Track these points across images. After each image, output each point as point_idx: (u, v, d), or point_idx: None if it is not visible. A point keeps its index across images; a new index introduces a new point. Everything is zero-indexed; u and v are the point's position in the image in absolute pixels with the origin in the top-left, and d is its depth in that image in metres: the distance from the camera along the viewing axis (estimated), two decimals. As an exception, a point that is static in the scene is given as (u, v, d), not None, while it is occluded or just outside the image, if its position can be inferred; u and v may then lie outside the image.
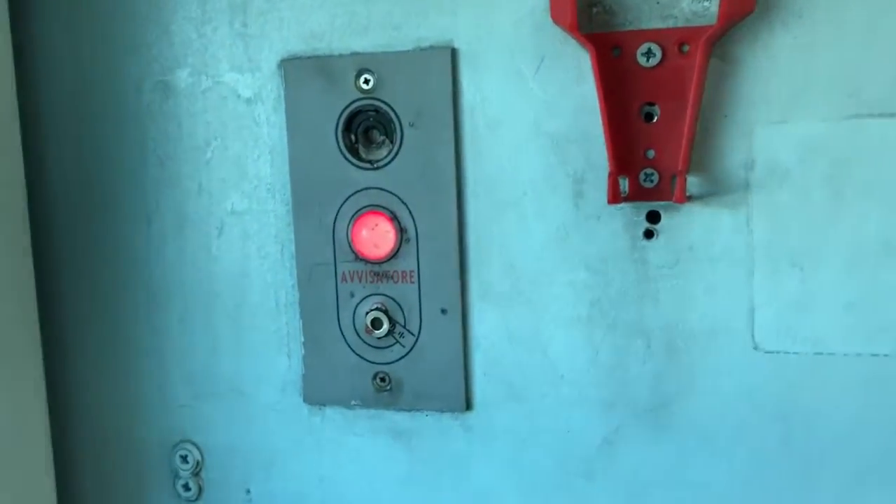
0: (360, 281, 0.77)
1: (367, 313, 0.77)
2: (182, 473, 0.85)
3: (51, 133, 0.85)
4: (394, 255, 0.76)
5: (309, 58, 0.76)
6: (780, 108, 0.66)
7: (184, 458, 0.85)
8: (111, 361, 0.86)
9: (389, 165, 0.75)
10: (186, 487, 0.86)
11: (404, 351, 0.77)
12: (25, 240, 0.82)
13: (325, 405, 0.80)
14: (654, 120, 0.67)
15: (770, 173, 0.67)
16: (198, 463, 0.85)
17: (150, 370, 0.85)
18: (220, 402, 0.83)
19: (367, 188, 0.76)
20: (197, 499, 0.86)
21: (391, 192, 0.76)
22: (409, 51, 0.73)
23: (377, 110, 0.75)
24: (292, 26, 0.76)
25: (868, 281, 0.66)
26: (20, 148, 0.81)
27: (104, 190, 0.84)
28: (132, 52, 0.81)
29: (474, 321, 0.75)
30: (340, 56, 0.75)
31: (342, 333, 0.79)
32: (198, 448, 0.85)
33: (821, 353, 0.67)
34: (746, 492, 0.71)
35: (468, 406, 0.76)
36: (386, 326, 0.76)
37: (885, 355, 0.66)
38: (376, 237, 0.76)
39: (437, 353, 0.76)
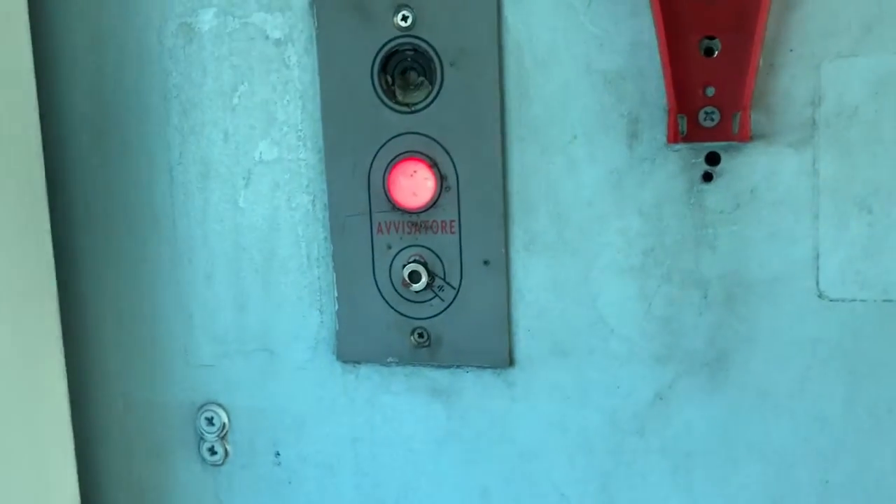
0: (397, 232, 0.74)
1: (405, 266, 0.73)
2: (208, 436, 0.82)
3: (68, 81, 0.81)
4: (433, 204, 0.72)
5: (343, -6, 0.72)
6: (849, 40, 0.63)
7: (209, 421, 0.82)
8: (133, 320, 0.83)
9: (428, 108, 0.71)
10: (212, 451, 0.82)
11: (444, 305, 0.74)
12: (42, 193, 0.78)
13: (359, 363, 0.77)
14: (715, 55, 0.64)
15: (838, 110, 0.63)
16: (224, 426, 0.82)
17: (175, 329, 0.82)
18: (247, 362, 0.80)
19: (404, 133, 0.72)
20: (223, 463, 0.83)
21: (430, 137, 0.72)
22: (450, -16, 0.69)
23: (416, 49, 0.71)
24: (325, -39, 0.72)
25: (943, 223, 0.62)
26: (35, 97, 0.77)
27: (124, 139, 0.80)
28: (154, -6, 0.77)
29: (518, 273, 0.72)
30: (377, -8, 0.71)
31: (378, 287, 0.75)
32: (224, 410, 0.82)
33: (890, 300, 0.64)
34: (808, 451, 0.67)
35: (511, 362, 0.73)
36: (424, 280, 0.73)
37: (959, 303, 0.63)
38: (414, 185, 0.72)
39: (478, 306, 0.73)
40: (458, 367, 0.74)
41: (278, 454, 0.81)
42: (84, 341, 0.84)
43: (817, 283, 0.65)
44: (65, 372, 0.80)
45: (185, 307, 0.81)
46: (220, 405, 0.82)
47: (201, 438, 0.83)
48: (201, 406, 0.82)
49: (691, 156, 0.66)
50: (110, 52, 0.79)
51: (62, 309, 0.80)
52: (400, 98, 0.72)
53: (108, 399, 0.85)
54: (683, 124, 0.65)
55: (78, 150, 0.82)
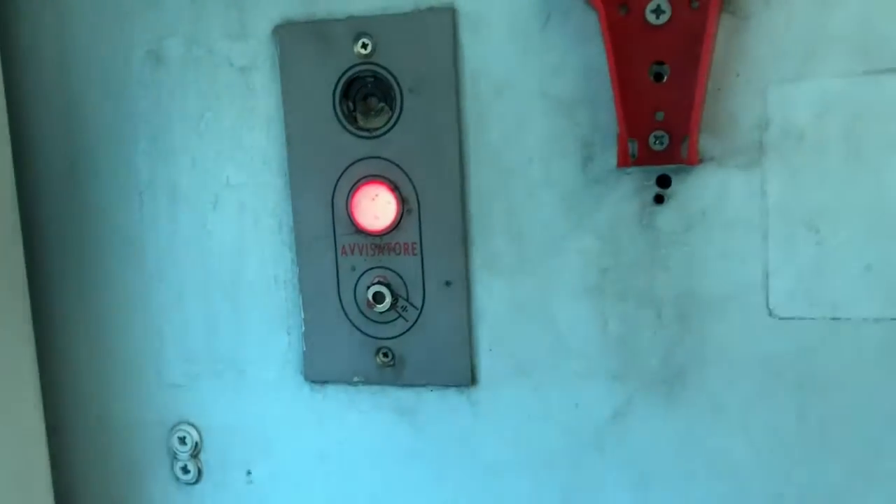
0: (360, 254, 0.75)
1: (369, 287, 0.75)
2: (180, 455, 0.83)
3: (37, 107, 0.82)
4: (395, 226, 0.74)
5: (304, 23, 0.73)
6: (794, 64, 0.64)
7: (182, 440, 0.83)
8: (106, 342, 0.84)
9: (389, 133, 0.73)
10: (185, 470, 0.84)
11: (407, 325, 0.75)
12: (14, 218, 0.79)
13: (326, 382, 0.78)
14: (664, 80, 0.65)
15: (785, 133, 0.65)
16: (196, 444, 0.83)
17: (146, 350, 0.83)
18: (218, 382, 0.81)
19: (366, 157, 0.74)
20: (196, 481, 0.84)
21: (391, 162, 0.73)
22: (408, 13, 0.71)
23: (376, 76, 0.72)
24: (286, -10, 0.73)
25: (887, 242, 0.64)
26: (6, 122, 0.79)
27: (94, 165, 0.81)
28: (120, 21, 0.78)
29: (480, 293, 0.73)
30: (337, 20, 0.72)
31: (343, 308, 0.76)
32: (196, 429, 0.83)
33: (838, 319, 0.65)
34: (761, 463, 0.69)
35: (474, 380, 0.74)
36: (388, 300, 0.74)
37: (905, 320, 0.64)
38: (376, 208, 0.74)
39: (441, 326, 0.74)
40: (422, 385, 0.76)
41: (250, 472, 0.82)
42: (58, 362, 0.86)
43: (767, 302, 0.67)
44: (39, 392, 0.82)
45: (157, 328, 0.82)
46: (192, 424, 0.83)
47: (174, 457, 0.84)
48: (174, 425, 0.83)
49: (643, 178, 0.68)
50: (79, 78, 0.80)
51: (36, 330, 0.81)
52: (361, 123, 0.74)
53: (82, 419, 0.86)
54: (634, 148, 0.66)
55: (48, 174, 0.83)
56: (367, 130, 0.73)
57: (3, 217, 0.78)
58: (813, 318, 0.66)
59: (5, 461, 0.77)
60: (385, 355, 0.76)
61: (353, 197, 0.74)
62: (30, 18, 0.81)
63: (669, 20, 0.64)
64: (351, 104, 0.73)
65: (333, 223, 0.75)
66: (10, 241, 0.78)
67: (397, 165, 0.73)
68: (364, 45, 0.72)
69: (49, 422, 0.83)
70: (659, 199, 0.68)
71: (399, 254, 0.74)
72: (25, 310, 0.80)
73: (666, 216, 0.68)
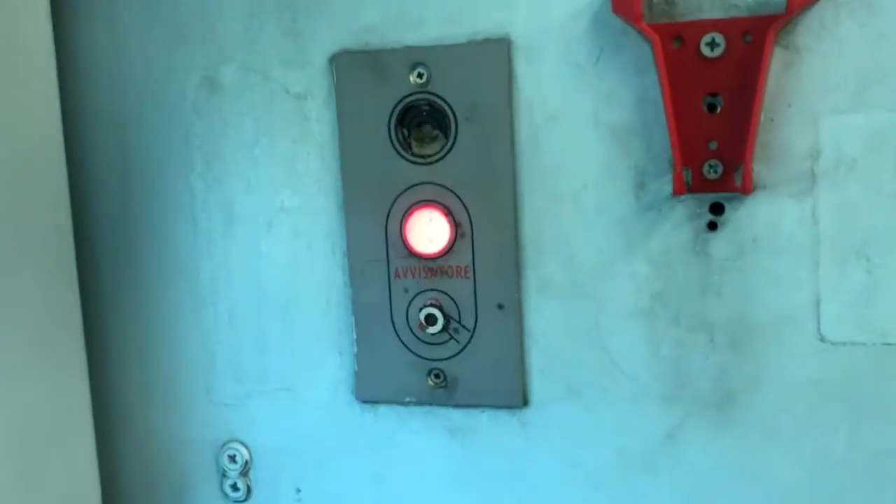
0: (413, 277, 0.77)
1: (421, 309, 0.76)
2: (230, 473, 0.85)
3: (94, 131, 0.84)
4: (448, 250, 0.75)
5: (361, 52, 0.75)
6: (846, 97, 0.65)
7: (232, 458, 0.84)
8: (157, 360, 0.85)
9: (443, 160, 0.74)
10: (235, 488, 0.85)
11: (459, 347, 0.76)
12: (69, 240, 0.81)
13: (378, 402, 0.80)
14: (718, 111, 0.67)
15: (836, 163, 0.66)
16: (246, 462, 0.84)
17: (198, 369, 0.84)
18: (269, 401, 0.83)
19: (420, 183, 0.75)
20: (246, 499, 0.85)
21: (445, 187, 0.75)
22: (464, 44, 0.72)
23: (431, 104, 0.74)
24: (343, 20, 0.75)
25: (938, 270, 0.65)
26: (63, 147, 0.81)
27: (149, 187, 0.83)
28: (177, 48, 0.80)
29: (531, 316, 0.75)
30: (393, 50, 0.74)
31: (395, 330, 0.78)
32: (246, 447, 0.84)
33: (889, 344, 0.67)
34: (812, 488, 0.70)
35: (525, 402, 0.76)
36: (441, 322, 0.76)
37: (954, 346, 0.66)
38: (430, 232, 0.75)
39: (493, 348, 0.76)
40: (473, 406, 0.77)
41: (299, 490, 0.83)
42: (109, 380, 0.87)
43: (819, 327, 0.68)
44: (91, 409, 0.83)
45: (208, 348, 0.84)
46: (241, 443, 0.84)
47: (224, 475, 0.85)
48: (224, 443, 0.85)
49: (696, 206, 0.69)
50: (134, 101, 0.82)
51: (88, 347, 0.83)
52: (416, 150, 0.75)
53: (132, 436, 0.88)
54: (688, 176, 0.68)
55: (104, 196, 0.85)
56: (422, 157, 0.75)
57: (59, 236, 0.80)
58: (864, 344, 0.67)
59: (56, 477, 0.78)
60: (437, 376, 0.77)
61: (406, 221, 0.76)
62: (87, 44, 0.82)
63: (723, 53, 0.66)
64: (406, 131, 0.75)
65: (387, 247, 0.77)
66: (64, 260, 0.80)
67: (451, 191, 0.75)
68: (420, 75, 0.73)
69: (100, 439, 0.85)
70: (712, 226, 0.69)
71: (452, 277, 0.76)
72: (77, 327, 0.82)
73: (718, 243, 0.69)
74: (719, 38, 0.65)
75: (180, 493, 0.87)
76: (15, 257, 0.73)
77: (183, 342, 0.85)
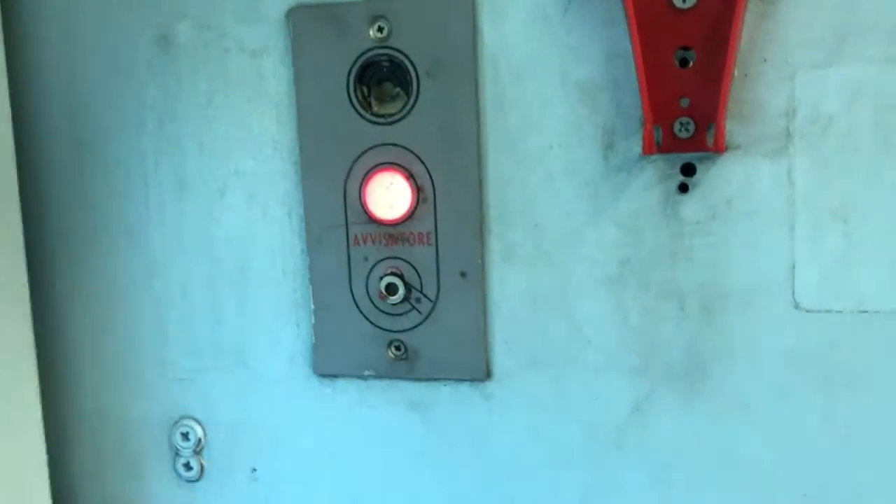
0: (373, 244, 0.73)
1: (382, 278, 0.73)
2: (183, 452, 0.81)
3: (43, 93, 0.80)
4: (410, 216, 0.72)
5: (318, 6, 0.72)
6: (823, 50, 0.63)
7: (185, 436, 0.81)
8: (107, 333, 0.82)
9: (405, 120, 0.71)
10: (188, 466, 0.82)
11: (421, 318, 0.73)
12: (15, 207, 0.77)
13: (336, 376, 0.76)
14: (690, 65, 0.64)
15: (813, 121, 0.63)
16: (200, 440, 0.81)
17: (149, 342, 0.81)
18: (223, 376, 0.79)
19: (380, 144, 0.72)
20: (199, 478, 0.82)
21: (407, 149, 0.71)
22: (426, -4, 0.69)
23: (391, 60, 0.71)
24: (301, -28, 0.72)
25: (917, 234, 0.62)
26: (9, 108, 0.77)
27: (99, 151, 0.80)
28: (130, 4, 0.77)
29: (495, 285, 0.71)
30: (352, 3, 0.71)
31: (355, 300, 0.74)
32: (200, 424, 0.81)
33: (865, 311, 0.64)
34: (785, 460, 0.67)
35: (488, 374, 0.73)
36: (401, 292, 0.72)
37: (934, 313, 0.63)
38: (391, 197, 0.72)
39: (455, 319, 0.72)
40: (435, 379, 0.74)
41: (255, 469, 0.80)
42: (58, 354, 0.83)
43: (793, 294, 0.65)
44: (39, 385, 0.79)
45: (161, 320, 0.80)
46: (195, 419, 0.81)
47: (177, 453, 0.82)
48: (177, 420, 0.81)
49: (667, 167, 0.66)
50: (85, 61, 0.79)
51: (36, 321, 0.79)
52: (376, 109, 0.72)
53: (82, 413, 0.84)
54: (659, 135, 0.65)
55: (53, 160, 0.81)
56: (382, 116, 0.72)
57: (5, 203, 0.76)
58: (840, 311, 0.64)
59: (2, 455, 0.75)
60: (397, 348, 0.74)
61: (366, 185, 0.72)
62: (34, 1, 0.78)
63: (696, 4, 0.63)
64: (365, 89, 0.72)
65: (346, 212, 0.73)
66: (10, 229, 0.77)
67: (413, 153, 0.71)
68: (380, 29, 0.70)
69: (48, 416, 0.81)
70: (683, 188, 0.66)
71: (413, 244, 0.72)
72: (25, 300, 0.78)
73: (690, 205, 0.66)
74: (692, -12, 0.62)
75: (131, 472, 0.84)
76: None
77: (134, 314, 0.81)
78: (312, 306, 0.75)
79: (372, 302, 0.74)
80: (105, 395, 0.83)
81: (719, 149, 0.63)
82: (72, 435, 0.84)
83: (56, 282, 0.82)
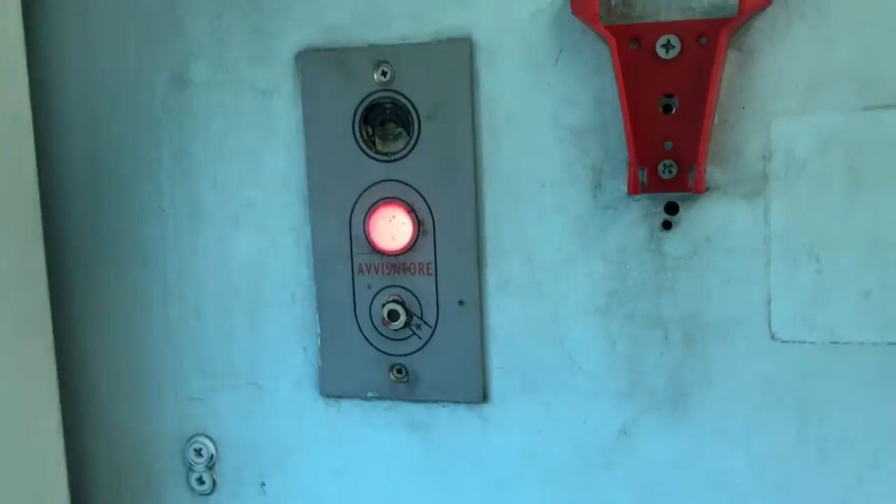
0: (376, 273, 0.78)
1: (384, 305, 0.77)
2: (196, 467, 0.85)
3: (63, 127, 0.85)
4: (411, 247, 0.76)
5: (326, 50, 0.76)
6: (797, 99, 0.67)
7: (198, 452, 0.85)
8: (125, 354, 0.86)
9: (406, 158, 0.76)
10: (200, 481, 0.86)
11: (421, 343, 0.77)
12: (38, 236, 0.81)
13: (341, 397, 0.81)
14: (673, 111, 0.68)
15: (787, 164, 0.68)
16: (212, 456, 0.85)
17: (165, 363, 0.85)
18: (234, 395, 0.84)
19: (383, 180, 0.76)
20: (211, 492, 0.86)
21: (408, 185, 0.76)
22: (427, 43, 0.74)
23: (394, 102, 0.75)
24: (309, 18, 0.76)
25: (884, 270, 0.67)
26: (33, 142, 0.81)
27: (118, 183, 0.84)
28: (146, 45, 0.81)
29: (492, 313, 0.76)
30: (358, 48, 0.75)
31: (359, 325, 0.79)
32: (212, 441, 0.85)
33: (837, 343, 0.68)
34: (762, 481, 0.71)
35: (485, 398, 0.77)
36: (403, 318, 0.77)
37: (901, 344, 0.67)
38: (393, 229, 0.76)
39: (454, 344, 0.77)
40: (434, 401, 0.78)
41: (264, 484, 0.84)
42: (77, 373, 0.88)
43: (769, 326, 0.69)
44: (58, 403, 0.83)
45: (175, 342, 0.85)
46: (208, 437, 0.85)
47: (190, 469, 0.86)
48: (190, 437, 0.86)
49: (651, 205, 0.71)
50: (104, 98, 0.83)
51: (56, 344, 0.83)
52: (380, 147, 0.76)
53: (99, 430, 0.88)
54: (643, 176, 0.69)
55: (73, 191, 0.85)
56: (386, 154, 0.76)
57: (27, 231, 0.80)
58: (813, 342, 0.69)
59: (23, 470, 0.78)
60: (399, 371, 0.78)
61: (370, 218, 0.77)
62: (58, 42, 0.83)
63: (679, 55, 0.67)
64: (370, 129, 0.76)
65: (351, 243, 0.78)
66: (32, 254, 0.80)
67: (414, 188, 0.76)
68: (384, 73, 0.75)
69: (67, 432, 0.85)
70: (666, 226, 0.71)
71: (414, 273, 0.77)
72: (46, 322, 0.82)
73: (673, 242, 0.70)
74: (675, 40, 0.67)
75: (147, 486, 0.88)
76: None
77: (150, 337, 0.85)
78: (319, 331, 0.80)
79: (375, 327, 0.78)
80: (122, 412, 0.87)
81: (700, 190, 0.67)
82: (90, 450, 0.89)
83: (76, 305, 0.87)
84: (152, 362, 0.86)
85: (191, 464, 0.86)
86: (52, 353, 0.83)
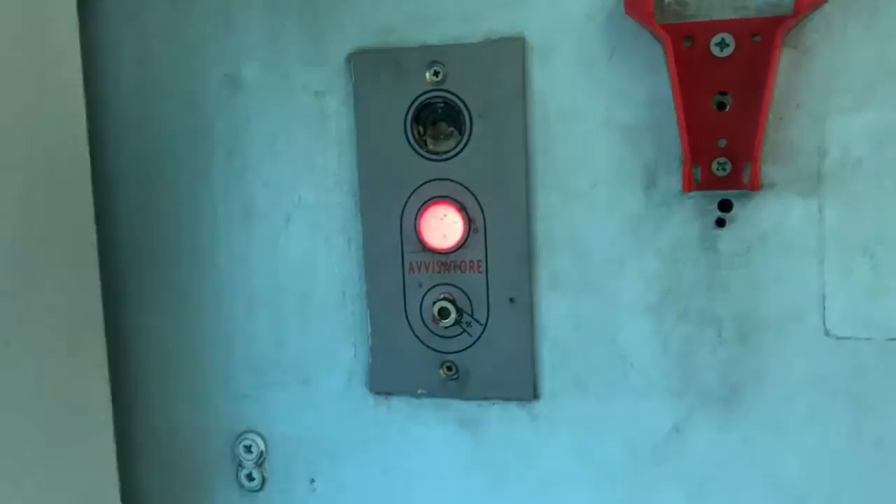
0: (427, 271, 0.78)
1: (435, 303, 0.78)
2: (246, 463, 0.86)
3: (118, 130, 0.86)
4: (462, 245, 0.77)
5: (378, 51, 0.77)
6: (853, 97, 0.67)
7: (248, 448, 0.86)
8: (176, 351, 0.87)
9: (458, 157, 0.76)
10: (250, 477, 0.87)
11: (472, 340, 0.78)
12: (91, 236, 0.82)
13: (391, 394, 0.81)
14: (727, 109, 0.68)
15: (842, 162, 0.68)
16: (262, 453, 0.86)
17: (216, 360, 0.86)
18: (285, 392, 0.84)
19: (434, 179, 0.77)
20: (261, 489, 0.87)
21: (459, 183, 0.77)
22: (479, 43, 0.74)
23: (446, 102, 0.76)
24: (362, 19, 0.77)
25: (941, 268, 0.66)
26: (87, 144, 0.82)
27: (170, 183, 0.85)
28: (199, 47, 0.82)
29: (543, 310, 0.76)
30: (410, 49, 0.76)
31: (409, 323, 0.79)
32: (262, 438, 0.86)
33: (893, 339, 0.68)
34: (816, 480, 0.71)
35: (535, 395, 0.77)
36: (453, 316, 0.77)
37: (958, 342, 0.67)
38: (444, 227, 0.77)
39: (504, 342, 0.77)
40: (485, 399, 0.79)
41: (313, 481, 0.85)
42: (129, 371, 0.89)
43: (824, 323, 0.69)
44: (110, 400, 0.84)
45: (226, 339, 0.86)
46: (258, 433, 0.86)
47: (240, 465, 0.87)
48: (240, 434, 0.87)
49: (705, 203, 0.71)
50: (158, 98, 0.84)
51: (108, 341, 0.84)
52: (431, 147, 0.77)
53: (150, 426, 0.90)
54: (698, 174, 0.69)
55: (126, 192, 0.87)
56: (437, 153, 0.77)
57: (81, 227, 0.81)
58: (869, 339, 0.68)
59: (75, 468, 0.79)
60: (449, 369, 0.79)
61: (421, 216, 0.77)
62: (112, 43, 0.85)
63: (733, 53, 0.67)
64: (421, 128, 0.77)
65: (402, 241, 0.79)
66: (85, 251, 0.82)
67: (465, 187, 0.76)
68: (436, 73, 0.75)
69: (118, 430, 0.86)
70: (720, 223, 0.71)
71: (465, 271, 0.77)
72: (98, 320, 0.83)
73: (726, 239, 0.71)
74: (729, 39, 0.67)
75: (197, 482, 0.89)
76: (39, 253, 0.75)
77: (201, 334, 0.87)
78: (369, 328, 0.80)
79: (425, 325, 0.79)
80: (173, 409, 0.89)
81: (755, 187, 0.68)
82: (142, 448, 0.90)
83: (128, 304, 0.88)
84: (203, 360, 0.87)
85: (241, 461, 0.87)
86: (104, 351, 0.84)
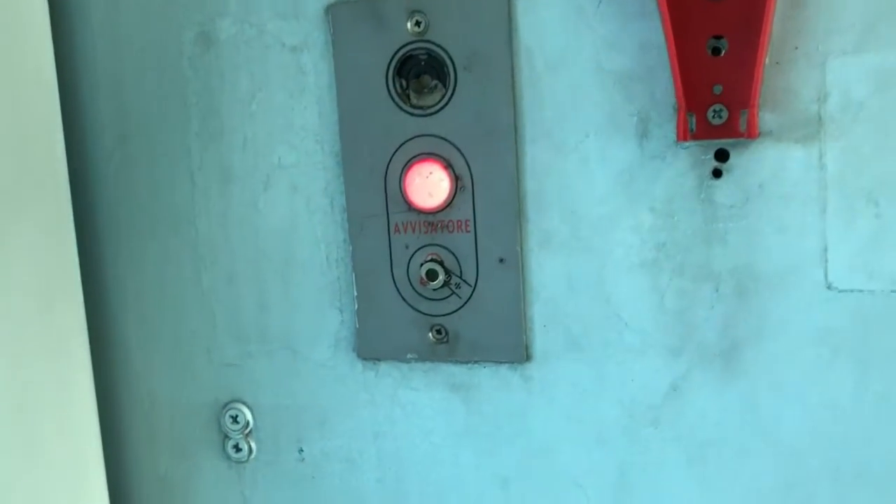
0: (413, 232, 0.76)
1: (422, 265, 0.75)
2: (232, 434, 0.84)
3: (89, 89, 0.83)
4: (448, 204, 0.74)
5: (357, 1, 0.74)
6: (853, 37, 0.64)
7: (234, 419, 0.84)
8: (158, 321, 0.85)
9: (443, 111, 0.73)
10: (237, 448, 0.85)
11: (461, 302, 0.75)
12: (66, 201, 0.80)
13: (379, 360, 0.79)
14: (722, 54, 0.65)
15: (843, 106, 0.65)
16: (248, 423, 0.84)
17: (199, 329, 0.84)
18: (270, 360, 0.82)
19: (419, 135, 0.74)
20: (248, 459, 0.85)
21: (445, 139, 0.73)
22: (462, -10, 0.71)
23: (429, 54, 0.72)
24: (339, -31, 0.74)
25: (948, 215, 0.64)
26: (59, 106, 0.79)
27: (145, 146, 0.82)
28: (171, 3, 0.79)
29: (533, 270, 0.73)
30: (390, -2, 0.73)
31: (396, 286, 0.77)
32: (248, 408, 0.84)
33: (898, 291, 0.65)
34: (819, 439, 0.69)
35: (528, 357, 0.75)
36: (441, 278, 0.75)
37: (965, 292, 0.64)
38: (430, 186, 0.74)
39: (495, 303, 0.75)
40: (475, 362, 0.76)
41: (302, 450, 0.83)
42: (110, 342, 0.87)
43: (826, 275, 0.67)
44: (91, 372, 0.83)
45: (209, 308, 0.83)
46: (244, 403, 0.84)
47: (226, 436, 0.85)
48: (226, 404, 0.84)
49: (700, 153, 0.68)
50: (130, 59, 0.81)
51: (88, 310, 0.82)
52: (414, 101, 0.74)
53: (134, 398, 0.87)
54: (692, 122, 0.66)
55: (100, 155, 0.84)
56: (421, 108, 0.74)
57: (56, 197, 0.79)
58: (872, 291, 0.66)
59: (57, 439, 0.78)
60: (438, 332, 0.76)
61: (406, 175, 0.74)
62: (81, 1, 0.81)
63: (728, -6, 0.64)
64: (404, 82, 0.74)
65: (386, 202, 0.76)
66: (61, 222, 0.79)
67: (451, 143, 0.73)
68: (417, 23, 0.72)
69: (101, 401, 0.84)
70: (717, 174, 0.68)
71: (452, 231, 0.75)
72: (77, 289, 0.81)
73: (724, 190, 0.68)
74: (723, -21, 0.64)
75: (183, 454, 0.87)
76: (11, 219, 0.72)
77: (183, 303, 0.84)
78: (355, 293, 0.78)
79: (413, 288, 0.76)
80: (156, 380, 0.86)
81: (752, 135, 0.65)
82: (125, 419, 0.88)
83: (107, 272, 0.86)
84: (186, 329, 0.84)
85: (227, 431, 0.84)
86: (84, 321, 0.82)
